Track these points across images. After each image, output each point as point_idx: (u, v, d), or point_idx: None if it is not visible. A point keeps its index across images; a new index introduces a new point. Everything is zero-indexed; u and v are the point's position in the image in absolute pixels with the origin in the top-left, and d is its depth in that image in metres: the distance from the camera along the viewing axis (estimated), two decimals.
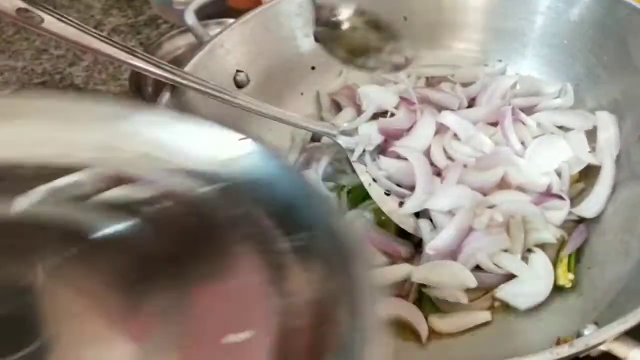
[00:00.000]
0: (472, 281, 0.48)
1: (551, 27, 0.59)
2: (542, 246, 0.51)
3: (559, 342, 0.40)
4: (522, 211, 0.51)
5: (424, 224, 0.52)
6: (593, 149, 0.55)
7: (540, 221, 0.50)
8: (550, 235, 0.50)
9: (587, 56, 0.58)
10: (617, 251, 0.50)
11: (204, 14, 0.69)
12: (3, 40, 0.98)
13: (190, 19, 0.60)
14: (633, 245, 0.49)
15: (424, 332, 0.49)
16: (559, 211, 0.52)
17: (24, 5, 0.47)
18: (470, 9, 0.62)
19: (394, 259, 0.53)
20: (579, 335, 0.39)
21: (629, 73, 0.54)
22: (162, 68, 0.51)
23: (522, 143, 0.56)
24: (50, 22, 0.48)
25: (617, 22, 0.54)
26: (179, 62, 0.87)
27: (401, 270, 0.51)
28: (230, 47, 0.58)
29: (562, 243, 0.52)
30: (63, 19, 0.49)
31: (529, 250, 0.51)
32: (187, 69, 0.55)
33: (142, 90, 0.84)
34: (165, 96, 0.53)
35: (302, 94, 0.64)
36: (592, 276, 0.50)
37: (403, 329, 0.51)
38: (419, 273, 0.50)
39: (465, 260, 0.49)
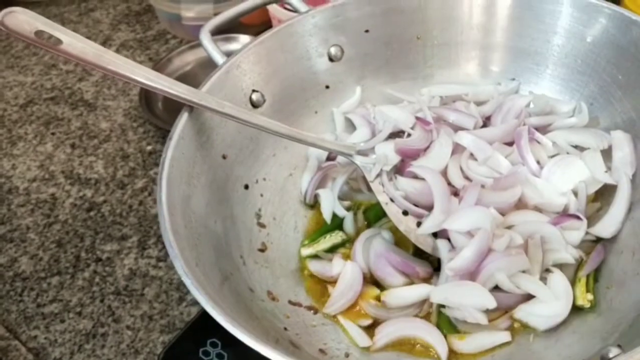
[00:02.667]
0: (491, 302, 0.49)
1: (566, 46, 0.60)
2: (560, 266, 0.51)
3: None
4: (541, 231, 0.51)
5: (442, 244, 0.52)
6: (609, 169, 0.56)
7: (559, 242, 0.51)
8: (570, 255, 0.51)
9: (601, 75, 0.58)
10: (635, 271, 0.50)
11: (215, 30, 0.69)
12: (12, 56, 0.99)
13: (205, 39, 0.60)
14: None
15: (444, 353, 0.50)
16: (577, 231, 0.52)
17: (42, 27, 0.47)
18: (485, 28, 0.63)
19: (412, 279, 0.54)
20: (602, 357, 0.39)
21: None
22: (181, 89, 0.51)
23: (538, 162, 0.56)
24: (69, 44, 0.48)
25: (632, 42, 0.55)
26: (188, 77, 0.88)
27: (420, 290, 0.51)
28: (246, 67, 0.58)
29: (580, 263, 0.52)
30: (82, 40, 0.49)
31: (547, 270, 0.51)
32: (203, 89, 0.55)
33: (151, 106, 0.85)
34: (184, 117, 0.53)
35: (316, 112, 0.64)
36: (610, 296, 0.50)
37: (424, 349, 0.51)
38: (438, 294, 0.51)
39: (484, 281, 0.50)
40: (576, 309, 0.50)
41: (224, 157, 0.57)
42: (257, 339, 0.41)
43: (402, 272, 0.54)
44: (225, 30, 0.80)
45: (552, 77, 0.62)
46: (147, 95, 0.86)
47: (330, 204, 0.59)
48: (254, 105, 0.60)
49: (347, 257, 0.57)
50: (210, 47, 0.59)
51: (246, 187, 0.59)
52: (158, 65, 0.89)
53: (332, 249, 0.58)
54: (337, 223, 0.60)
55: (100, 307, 0.67)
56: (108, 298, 0.68)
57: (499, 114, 0.60)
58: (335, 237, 0.58)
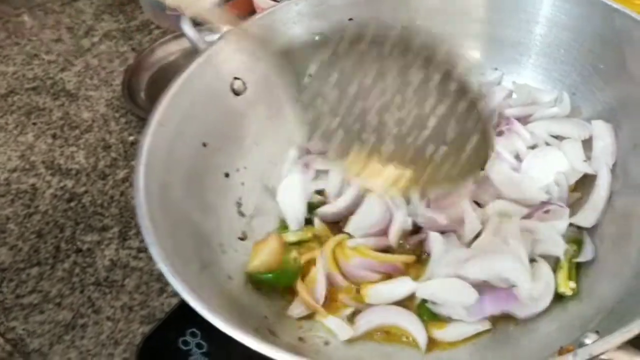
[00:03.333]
0: (475, 298, 0.49)
1: (548, 36, 0.60)
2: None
3: (561, 351, 0.40)
4: (530, 226, 0.51)
5: (434, 237, 0.52)
6: (589, 158, 0.56)
7: (550, 235, 0.50)
8: (561, 250, 0.50)
9: (583, 65, 0.58)
10: (615, 259, 0.50)
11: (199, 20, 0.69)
12: None
13: (186, 26, 0.59)
14: (631, 253, 0.49)
15: (423, 341, 0.49)
16: (561, 220, 0.52)
17: None
18: (468, 17, 0.62)
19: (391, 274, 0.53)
20: (580, 344, 0.39)
21: (625, 82, 0.55)
22: None
23: (517, 156, 0.56)
24: None
25: (614, 31, 0.55)
26: (172, 68, 0.87)
27: (405, 287, 0.51)
28: (227, 54, 0.58)
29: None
30: None
31: (532, 260, 0.51)
32: (183, 76, 0.55)
33: (134, 96, 0.84)
34: (163, 103, 0.52)
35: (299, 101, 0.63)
36: (591, 284, 0.50)
37: (403, 337, 0.51)
38: (424, 290, 0.50)
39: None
40: (557, 297, 0.50)
41: (204, 144, 0.56)
42: (234, 326, 0.40)
43: (380, 272, 0.53)
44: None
45: (534, 67, 0.62)
46: (129, 86, 0.85)
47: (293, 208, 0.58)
48: (236, 93, 0.59)
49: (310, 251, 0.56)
50: (191, 33, 0.59)
51: (227, 175, 0.59)
52: (141, 55, 0.88)
53: (300, 243, 0.57)
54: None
55: (80, 298, 0.66)
56: (88, 289, 0.67)
57: None
58: (304, 233, 0.57)
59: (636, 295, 0.44)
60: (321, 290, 0.52)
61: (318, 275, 0.53)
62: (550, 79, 0.61)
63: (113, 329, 0.63)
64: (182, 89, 0.54)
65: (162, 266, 0.43)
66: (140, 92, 0.85)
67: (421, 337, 0.50)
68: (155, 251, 0.44)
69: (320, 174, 0.60)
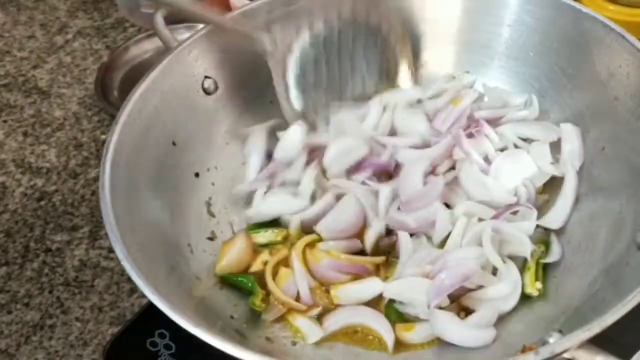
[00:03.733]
0: (445, 300, 0.49)
1: (517, 39, 0.60)
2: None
3: (524, 350, 0.40)
4: (498, 227, 0.51)
5: (403, 237, 0.52)
6: (557, 161, 0.56)
7: (518, 236, 0.51)
8: (528, 251, 0.51)
9: (552, 68, 0.59)
10: (580, 261, 0.51)
11: (173, 19, 0.68)
12: None
13: (158, 23, 0.59)
14: (595, 255, 0.50)
15: (390, 342, 0.49)
16: (528, 222, 0.52)
17: None
18: (439, 20, 0.63)
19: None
20: (543, 343, 0.40)
21: (593, 85, 0.55)
22: None
23: (486, 158, 0.57)
24: None
25: (581, 34, 0.55)
26: (146, 66, 0.86)
27: (373, 288, 0.51)
28: (198, 53, 0.58)
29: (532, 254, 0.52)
30: None
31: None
32: (154, 73, 0.54)
33: (107, 94, 0.83)
34: (132, 100, 0.52)
35: (271, 102, 0.63)
36: (557, 285, 0.51)
37: (370, 337, 0.51)
38: (391, 289, 0.50)
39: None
40: (524, 297, 0.50)
41: (174, 143, 0.56)
42: (198, 325, 0.40)
43: (350, 272, 0.53)
44: (186, 19, 0.79)
45: (504, 70, 0.62)
46: (103, 84, 0.84)
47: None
48: (207, 92, 0.59)
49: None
50: (163, 30, 0.58)
51: (197, 175, 0.58)
52: (115, 53, 0.87)
53: (268, 245, 0.57)
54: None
55: (48, 299, 0.65)
56: (57, 289, 0.66)
57: (443, 112, 0.60)
58: (275, 236, 0.57)
59: (599, 296, 0.45)
60: (303, 287, 0.52)
61: (297, 273, 0.52)
62: (520, 81, 0.62)
63: (82, 330, 0.63)
64: (152, 86, 0.54)
65: (126, 264, 0.42)
66: (114, 91, 0.84)
67: (389, 338, 0.50)
68: (119, 249, 0.43)
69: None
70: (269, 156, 0.61)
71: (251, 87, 0.62)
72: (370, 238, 0.54)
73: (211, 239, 0.57)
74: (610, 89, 0.54)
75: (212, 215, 0.58)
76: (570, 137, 0.56)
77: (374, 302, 0.52)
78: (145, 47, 0.88)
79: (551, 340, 0.38)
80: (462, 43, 0.63)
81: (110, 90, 0.84)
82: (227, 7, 0.83)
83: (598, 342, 0.38)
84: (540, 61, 0.60)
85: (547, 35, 0.58)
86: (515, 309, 0.50)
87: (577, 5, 0.56)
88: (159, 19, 0.59)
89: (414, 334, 0.50)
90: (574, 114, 0.58)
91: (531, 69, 0.61)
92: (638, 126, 0.51)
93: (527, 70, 0.61)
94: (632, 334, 0.53)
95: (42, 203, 0.74)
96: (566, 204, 0.54)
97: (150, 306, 0.59)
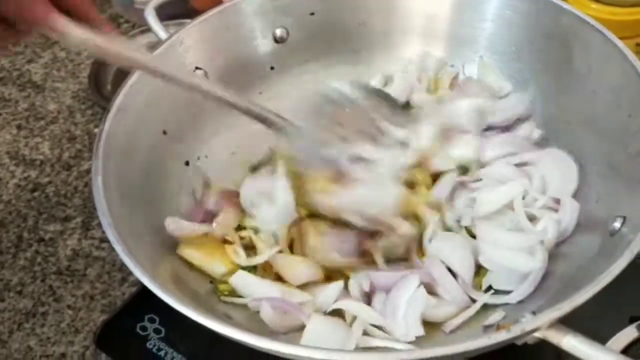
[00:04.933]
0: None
1: (500, 34, 0.61)
2: None
3: (498, 328, 0.41)
4: None
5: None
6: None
7: None
8: None
9: (534, 63, 0.60)
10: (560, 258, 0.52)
11: (166, 15, 0.70)
12: None
13: (150, 16, 0.60)
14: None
15: None
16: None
17: None
18: (422, 15, 0.64)
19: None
20: (515, 322, 0.41)
21: (573, 79, 0.57)
22: None
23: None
24: None
25: (562, 30, 0.57)
26: None
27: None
28: (189, 44, 0.59)
29: None
30: None
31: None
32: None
33: (100, 88, 0.84)
34: (124, 89, 0.53)
35: (260, 93, 0.65)
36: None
37: None
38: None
39: None
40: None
41: (164, 132, 0.57)
42: (184, 302, 0.41)
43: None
44: (178, 15, 0.80)
45: (488, 64, 0.64)
46: (96, 78, 0.85)
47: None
48: None
49: None
50: (154, 23, 0.60)
51: (187, 163, 0.60)
52: None
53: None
54: None
55: (41, 287, 0.66)
56: (50, 278, 0.67)
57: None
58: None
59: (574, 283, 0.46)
60: None
61: None
62: (504, 76, 0.63)
63: (74, 317, 0.64)
64: (143, 77, 0.55)
65: (117, 246, 0.44)
66: (107, 85, 0.85)
67: None
68: (110, 233, 0.44)
69: None
70: None
71: (242, 79, 0.63)
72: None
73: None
74: (589, 83, 0.55)
75: (201, 202, 0.60)
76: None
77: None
78: (139, 42, 0.89)
79: (523, 320, 0.40)
80: (446, 38, 0.64)
81: (104, 84, 0.85)
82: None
83: (577, 327, 0.40)
84: (523, 56, 0.61)
85: (528, 30, 0.60)
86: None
87: (557, 1, 0.57)
88: (151, 10, 0.60)
89: None
90: (554, 107, 0.59)
91: (515, 63, 0.62)
92: (615, 118, 0.52)
93: (510, 65, 0.62)
94: (609, 320, 0.55)
95: (36, 194, 0.75)
96: None
97: (140, 292, 0.61)
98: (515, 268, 0.49)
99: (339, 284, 0.51)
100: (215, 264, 0.54)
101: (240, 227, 0.57)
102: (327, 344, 0.45)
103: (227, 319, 0.49)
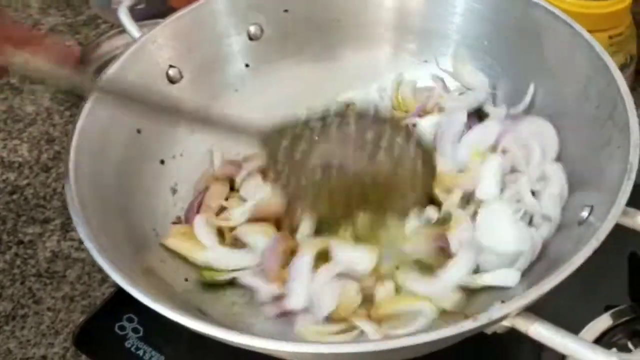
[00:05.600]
0: None
1: (471, 28, 0.62)
2: None
3: (466, 317, 0.42)
4: None
5: None
6: None
7: None
8: None
9: (505, 56, 0.60)
10: None
11: (144, 15, 0.70)
12: None
13: (123, 15, 0.60)
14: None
15: None
16: None
17: None
18: (394, 9, 0.64)
19: None
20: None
21: (544, 71, 0.57)
22: None
23: None
24: None
25: (531, 22, 0.57)
26: None
27: None
28: (163, 42, 0.59)
29: None
30: None
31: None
32: (118, 63, 0.56)
33: None
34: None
35: (236, 90, 0.65)
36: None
37: None
38: None
39: None
40: None
41: (138, 131, 0.57)
42: (159, 300, 0.41)
43: None
44: (157, 15, 0.80)
45: (461, 58, 0.64)
46: None
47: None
48: (171, 81, 0.60)
49: None
50: (128, 23, 0.60)
51: (162, 162, 0.60)
52: (86, 49, 0.88)
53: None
54: None
55: (20, 289, 0.66)
56: (29, 280, 0.67)
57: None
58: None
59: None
60: None
61: None
62: (478, 70, 0.63)
63: (54, 319, 0.64)
64: (116, 75, 0.55)
65: (89, 244, 0.44)
66: None
67: None
68: (82, 230, 0.44)
69: None
70: None
71: (217, 76, 0.63)
72: None
73: (176, 223, 0.58)
74: (560, 75, 0.56)
75: (177, 201, 0.60)
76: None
77: None
78: (116, 43, 0.88)
79: (491, 308, 0.40)
80: (419, 32, 0.64)
81: None
82: None
83: (546, 319, 0.40)
84: (494, 50, 0.61)
85: (499, 24, 0.60)
86: None
87: None
88: (124, 9, 0.60)
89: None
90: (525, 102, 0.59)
91: (486, 57, 0.62)
92: (584, 108, 0.53)
93: (483, 58, 0.62)
94: (585, 308, 0.56)
95: (15, 197, 0.75)
96: None
97: (119, 292, 0.61)
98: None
99: None
100: (199, 252, 0.55)
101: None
102: None
103: (202, 315, 0.49)
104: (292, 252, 0.53)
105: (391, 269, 0.51)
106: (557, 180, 0.52)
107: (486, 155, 0.55)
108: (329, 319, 0.49)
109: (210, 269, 0.54)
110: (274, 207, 0.56)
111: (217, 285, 0.54)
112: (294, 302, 0.49)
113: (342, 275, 0.50)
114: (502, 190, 0.53)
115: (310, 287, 0.49)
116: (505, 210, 0.51)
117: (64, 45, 0.49)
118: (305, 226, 0.54)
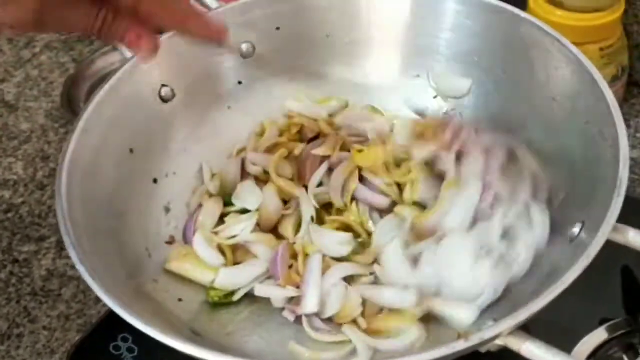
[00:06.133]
0: None
1: (461, 44, 0.62)
2: None
3: (458, 337, 0.42)
4: None
5: None
6: None
7: None
8: None
9: (495, 71, 0.60)
10: None
11: None
12: None
13: None
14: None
15: None
16: None
17: None
18: (384, 25, 0.64)
19: None
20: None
21: (533, 86, 0.57)
22: None
23: None
24: None
25: (520, 38, 0.57)
26: None
27: None
28: (155, 61, 0.59)
29: None
30: None
31: None
32: (111, 82, 0.56)
33: (73, 106, 0.84)
34: (89, 108, 0.54)
35: (229, 107, 0.65)
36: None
37: None
38: None
39: None
40: None
41: (131, 150, 0.57)
42: (152, 325, 0.41)
43: None
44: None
45: (451, 74, 0.64)
46: (69, 96, 0.85)
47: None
48: (164, 99, 0.60)
49: None
50: None
51: (155, 180, 0.60)
52: (81, 65, 0.89)
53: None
54: None
55: (16, 308, 0.66)
56: (24, 299, 0.67)
57: None
58: None
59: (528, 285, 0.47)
60: None
61: None
62: (466, 84, 0.63)
63: (49, 338, 0.64)
64: (108, 95, 0.55)
65: (80, 267, 0.44)
66: (80, 103, 0.85)
67: None
68: (73, 253, 0.45)
69: None
70: None
71: (209, 94, 0.64)
72: None
73: (170, 242, 0.58)
74: (549, 90, 0.56)
75: (170, 220, 0.60)
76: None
77: None
78: (111, 59, 0.89)
79: (485, 327, 0.40)
80: (409, 48, 0.65)
81: (77, 102, 0.85)
82: None
83: (542, 333, 0.40)
84: (484, 65, 0.61)
85: (489, 40, 0.60)
86: None
87: (515, 9, 0.58)
88: None
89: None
90: (516, 115, 0.59)
91: (479, 72, 0.62)
92: (574, 125, 0.53)
93: (473, 74, 0.62)
94: (580, 322, 0.56)
95: (9, 215, 0.75)
96: None
97: (113, 311, 0.61)
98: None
99: None
100: (205, 273, 0.55)
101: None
102: None
103: (195, 335, 0.49)
104: (292, 256, 0.55)
105: None
106: (538, 225, 0.50)
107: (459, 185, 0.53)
108: (331, 320, 0.51)
109: (218, 289, 0.54)
110: (273, 209, 0.57)
111: (215, 304, 0.54)
112: (310, 305, 0.51)
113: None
114: (472, 223, 0.51)
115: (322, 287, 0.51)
116: (466, 246, 0.49)
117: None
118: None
